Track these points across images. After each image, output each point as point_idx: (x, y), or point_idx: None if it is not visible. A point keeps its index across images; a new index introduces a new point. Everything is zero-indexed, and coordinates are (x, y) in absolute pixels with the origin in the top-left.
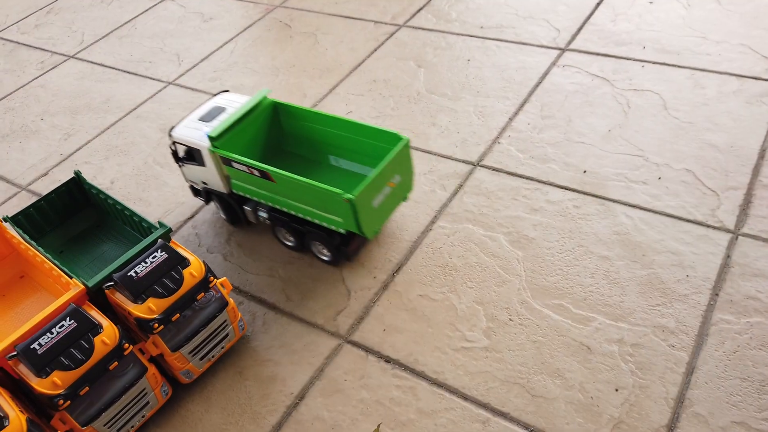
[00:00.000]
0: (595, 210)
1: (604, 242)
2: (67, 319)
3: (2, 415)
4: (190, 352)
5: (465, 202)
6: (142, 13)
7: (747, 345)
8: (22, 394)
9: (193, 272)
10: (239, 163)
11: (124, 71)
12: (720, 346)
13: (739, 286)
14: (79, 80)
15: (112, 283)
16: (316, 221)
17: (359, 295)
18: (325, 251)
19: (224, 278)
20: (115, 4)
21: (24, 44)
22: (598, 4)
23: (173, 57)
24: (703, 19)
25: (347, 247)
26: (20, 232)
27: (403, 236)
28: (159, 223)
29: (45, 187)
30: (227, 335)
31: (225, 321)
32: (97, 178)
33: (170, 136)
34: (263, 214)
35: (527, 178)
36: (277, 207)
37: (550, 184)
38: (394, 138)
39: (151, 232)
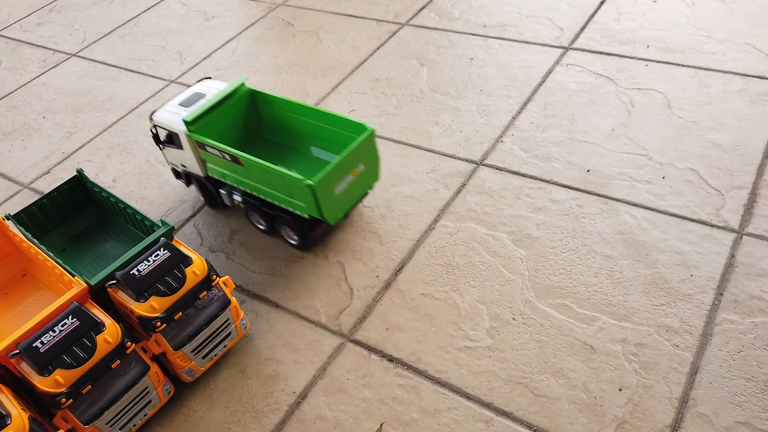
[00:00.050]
0: (598, 209)
1: (607, 241)
2: (70, 317)
3: (4, 413)
4: (193, 351)
5: (468, 201)
6: (144, 12)
7: (751, 345)
8: (24, 392)
9: (196, 270)
10: (212, 147)
11: (127, 69)
12: (724, 346)
13: (743, 286)
14: (81, 78)
15: (115, 281)
16: (283, 206)
17: (362, 293)
18: (293, 235)
19: (227, 277)
20: (118, 2)
21: (26, 42)
22: (601, 3)
23: (175, 55)
24: (707, 18)
25: (312, 232)
26: (22, 230)
27: (406, 235)
28: (161, 221)
29: (47, 185)
30: (230, 334)
31: (227, 319)
32: (99, 176)
33: (151, 119)
34: (237, 198)
35: (530, 177)
36: (248, 191)
37: (554, 183)
38: (360, 128)
39: (154, 231)
